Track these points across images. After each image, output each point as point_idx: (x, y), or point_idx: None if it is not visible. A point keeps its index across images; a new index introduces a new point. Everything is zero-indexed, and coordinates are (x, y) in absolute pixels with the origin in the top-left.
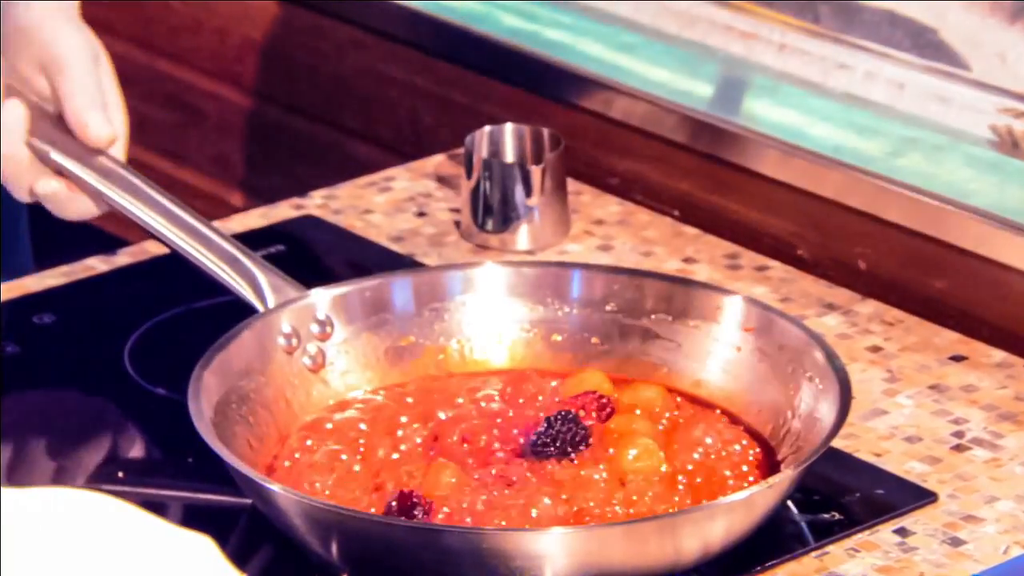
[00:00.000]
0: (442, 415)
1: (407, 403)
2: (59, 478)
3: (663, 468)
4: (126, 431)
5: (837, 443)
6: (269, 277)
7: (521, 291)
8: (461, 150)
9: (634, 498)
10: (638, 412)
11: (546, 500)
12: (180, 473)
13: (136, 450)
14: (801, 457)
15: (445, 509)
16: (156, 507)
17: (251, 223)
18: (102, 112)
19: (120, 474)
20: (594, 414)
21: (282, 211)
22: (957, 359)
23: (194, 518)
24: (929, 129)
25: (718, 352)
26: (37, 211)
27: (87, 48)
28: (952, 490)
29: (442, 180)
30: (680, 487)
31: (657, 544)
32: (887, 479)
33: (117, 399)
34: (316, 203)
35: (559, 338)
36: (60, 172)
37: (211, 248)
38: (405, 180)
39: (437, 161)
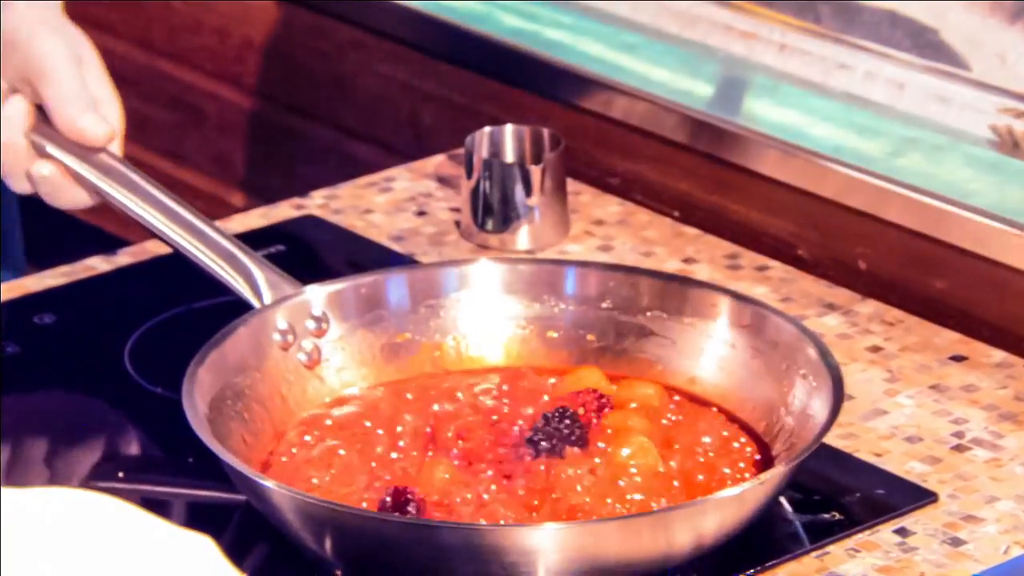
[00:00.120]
0: (437, 410)
1: (403, 399)
2: (59, 478)
3: (659, 466)
4: (126, 431)
5: (837, 443)
6: (265, 273)
7: (517, 288)
8: (461, 150)
9: (629, 495)
10: (634, 406)
11: (541, 496)
12: (180, 473)
13: (136, 450)
14: (794, 454)
15: (439, 505)
16: (156, 506)
17: (252, 223)
18: (93, 113)
19: (120, 474)
20: (593, 413)
21: (283, 211)
22: (957, 359)
23: (194, 518)
24: (929, 129)
25: (712, 349)
26: (35, 211)
27: (66, 51)
28: (952, 490)
29: (442, 180)
30: (675, 484)
31: (650, 539)
32: (887, 479)
33: (117, 399)
34: (317, 203)
35: (555, 335)
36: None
37: (208, 244)
38: (405, 180)
39: (437, 161)
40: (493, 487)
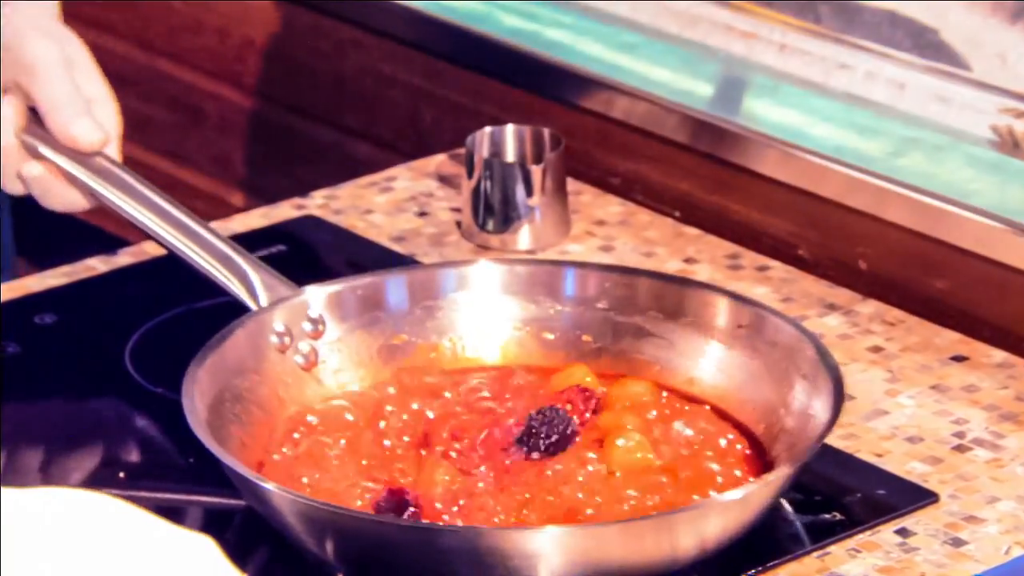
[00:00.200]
0: (431, 413)
1: (396, 398)
2: (59, 478)
3: (654, 462)
4: (127, 431)
5: (838, 443)
6: (262, 275)
7: (514, 289)
8: (462, 150)
9: (624, 493)
10: (628, 404)
11: (536, 497)
12: (181, 474)
13: (136, 450)
14: (795, 454)
15: (438, 506)
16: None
17: (252, 223)
18: (86, 117)
19: (120, 474)
20: (581, 406)
21: (283, 211)
22: (958, 359)
23: (195, 518)
24: (930, 129)
25: (710, 350)
26: (36, 211)
27: (57, 54)
28: (953, 490)
29: (443, 180)
30: (664, 479)
31: (653, 542)
32: (888, 479)
33: (118, 399)
34: (317, 203)
35: (551, 336)
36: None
37: (203, 246)
38: (406, 180)
39: (438, 161)
40: (490, 488)
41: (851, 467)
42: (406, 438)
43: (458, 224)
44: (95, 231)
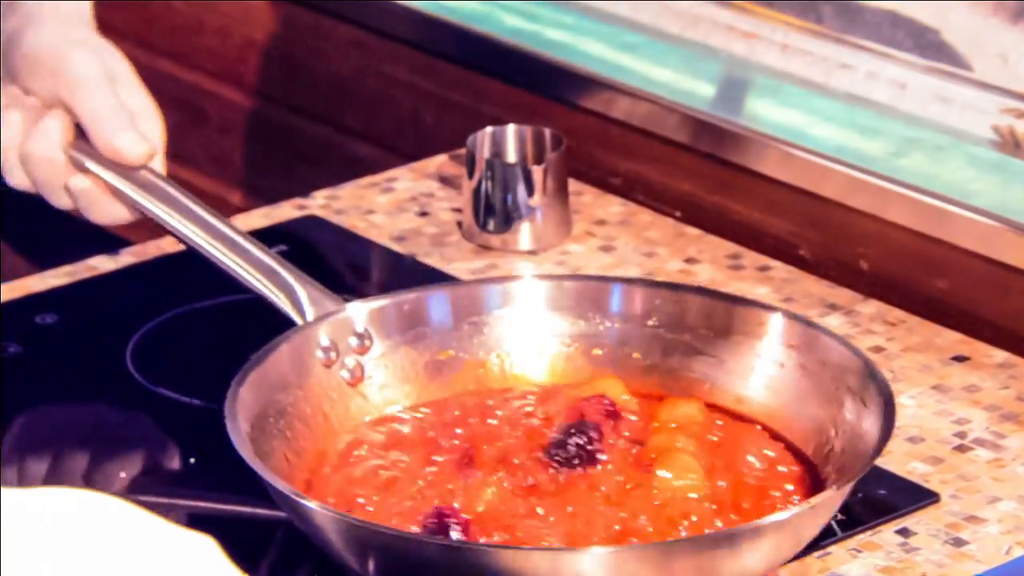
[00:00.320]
0: (478, 431)
1: (446, 418)
2: (60, 478)
3: (705, 483)
4: (128, 431)
5: None
6: (308, 290)
7: (561, 305)
8: (463, 150)
9: (675, 514)
10: (673, 426)
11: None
12: (182, 474)
13: (138, 451)
14: (845, 476)
15: (488, 525)
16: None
17: (253, 223)
18: (131, 131)
19: (121, 474)
20: (603, 417)
21: (284, 211)
22: (959, 359)
23: (196, 519)
24: (931, 129)
25: (761, 368)
26: (36, 211)
27: (98, 68)
28: (954, 490)
29: (444, 180)
30: (714, 505)
31: (697, 565)
32: (889, 479)
33: (119, 399)
34: (318, 203)
35: (600, 352)
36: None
37: (249, 260)
38: (407, 180)
39: (439, 161)
40: (538, 508)
41: None
42: (456, 455)
43: (459, 224)
44: (96, 231)
